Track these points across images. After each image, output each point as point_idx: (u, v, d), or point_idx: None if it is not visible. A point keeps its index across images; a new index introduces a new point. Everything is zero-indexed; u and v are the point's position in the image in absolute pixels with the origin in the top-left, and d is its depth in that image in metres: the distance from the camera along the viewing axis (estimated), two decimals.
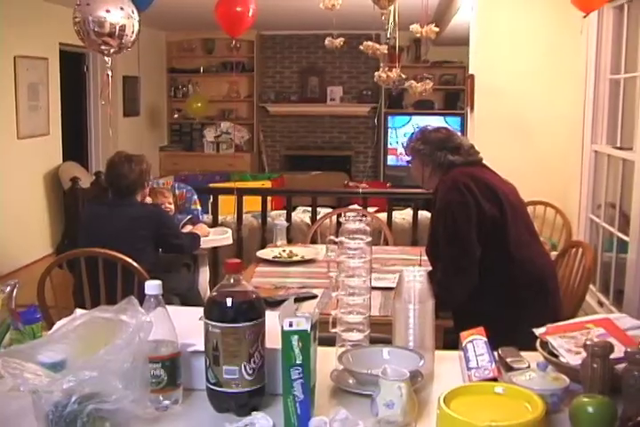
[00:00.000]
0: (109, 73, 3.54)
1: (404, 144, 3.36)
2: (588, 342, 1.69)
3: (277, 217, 5.81)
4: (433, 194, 3.22)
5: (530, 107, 5.76)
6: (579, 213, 5.34)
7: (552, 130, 5.72)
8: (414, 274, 1.90)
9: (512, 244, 3.02)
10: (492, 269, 3.00)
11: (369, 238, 1.96)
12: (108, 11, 3.37)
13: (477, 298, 2.99)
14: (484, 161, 3.27)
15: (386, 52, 4.69)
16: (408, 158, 3.33)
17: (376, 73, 4.79)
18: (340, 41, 4.83)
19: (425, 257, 3.31)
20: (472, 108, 6.04)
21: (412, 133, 3.34)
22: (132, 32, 3.42)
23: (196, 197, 5.31)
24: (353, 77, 11.62)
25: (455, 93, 11.22)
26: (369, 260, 1.96)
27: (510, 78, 5.80)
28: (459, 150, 3.19)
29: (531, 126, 5.79)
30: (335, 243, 1.98)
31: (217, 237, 4.92)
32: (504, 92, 5.81)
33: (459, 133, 3.34)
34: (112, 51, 3.34)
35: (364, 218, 2.02)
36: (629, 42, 4.57)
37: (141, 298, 1.67)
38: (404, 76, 4.72)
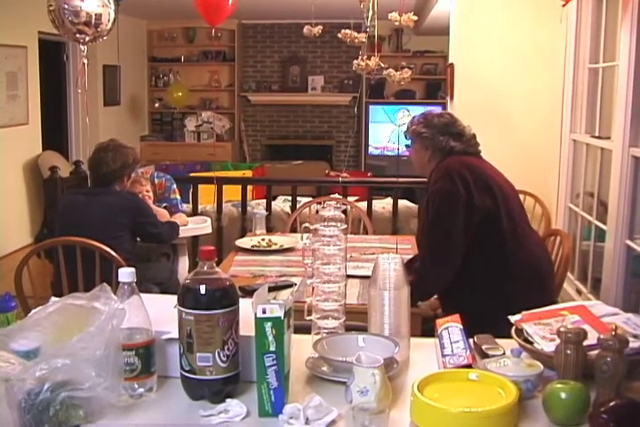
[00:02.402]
0: (85, 61, 3.52)
1: (406, 127, 3.32)
2: (562, 329, 1.70)
3: (257, 206, 5.80)
4: (427, 181, 3.20)
5: (509, 96, 5.77)
6: (557, 202, 5.36)
7: (531, 119, 5.74)
8: (389, 261, 1.90)
9: (507, 235, 3.01)
10: (485, 260, 3.00)
11: (344, 226, 1.95)
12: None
13: (470, 288, 2.99)
14: (482, 154, 3.26)
15: (364, 40, 4.67)
16: (408, 142, 3.31)
17: (354, 61, 4.78)
18: (318, 29, 4.81)
19: (402, 245, 3.31)
20: (452, 98, 6.05)
21: (414, 117, 3.31)
22: (109, 20, 3.39)
23: (175, 186, 5.28)
24: (334, 67, 11.61)
25: (436, 83, 11.22)
26: (344, 247, 1.96)
27: (490, 67, 5.81)
28: (460, 137, 3.17)
29: (510, 115, 5.81)
30: (310, 230, 1.98)
31: (196, 226, 4.90)
32: (483, 81, 5.83)
33: (462, 121, 3.31)
34: (87, 39, 3.31)
35: (339, 205, 2.01)
36: (608, 31, 4.57)
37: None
38: (382, 64, 4.70)
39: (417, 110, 10.91)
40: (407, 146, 3.32)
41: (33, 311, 1.75)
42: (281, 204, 6.19)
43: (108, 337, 1.53)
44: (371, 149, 11.56)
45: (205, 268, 1.65)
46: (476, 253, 2.99)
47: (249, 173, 9.21)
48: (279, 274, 3.49)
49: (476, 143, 3.23)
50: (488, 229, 3.00)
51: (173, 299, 1.68)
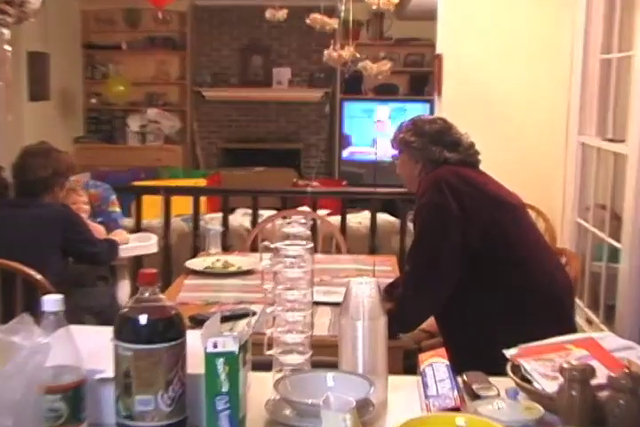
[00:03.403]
0: (8, 48, 3.50)
1: (392, 135, 3.34)
2: (566, 366, 1.71)
3: (211, 221, 5.79)
4: (415, 195, 3.22)
5: (507, 92, 5.79)
6: (563, 216, 5.40)
7: (532, 119, 5.76)
8: (364, 286, 1.90)
9: (514, 256, 3.02)
10: (485, 286, 3.00)
11: (310, 244, 1.96)
12: None
13: (462, 317, 3.00)
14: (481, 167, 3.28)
15: (336, 26, 4.69)
16: (395, 153, 3.32)
17: (325, 51, 4.80)
18: (283, 13, 4.83)
19: (381, 266, 3.32)
20: (439, 94, 6.08)
21: (402, 123, 3.32)
22: None
23: (114, 196, 5.27)
24: (303, 57, 11.64)
25: (423, 76, 11.27)
26: (310, 269, 1.96)
27: (484, 58, 5.83)
28: (457, 147, 3.19)
29: (508, 115, 5.83)
30: (271, 250, 1.98)
31: (139, 245, 4.88)
32: (476, 74, 5.85)
33: (458, 128, 3.32)
34: (10, 21, 3.30)
35: (305, 221, 2.02)
36: (624, 15, 4.60)
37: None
38: (358, 55, 4.73)
39: (399, 109, 11.13)
40: (394, 157, 3.34)
41: None
42: (240, 218, 6.18)
43: (29, 378, 1.51)
44: (346, 154, 11.60)
45: (147, 294, 1.65)
46: (475, 277, 3.00)
47: (202, 182, 9.19)
48: (236, 301, 3.48)
49: (475, 152, 3.26)
50: (489, 249, 3.01)
51: (109, 331, 1.67)
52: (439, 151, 3.15)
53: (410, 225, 5.12)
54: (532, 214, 5.49)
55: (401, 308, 2.90)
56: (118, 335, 1.63)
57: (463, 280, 2.98)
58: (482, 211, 2.99)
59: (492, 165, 3.41)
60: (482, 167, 3.30)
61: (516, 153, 5.71)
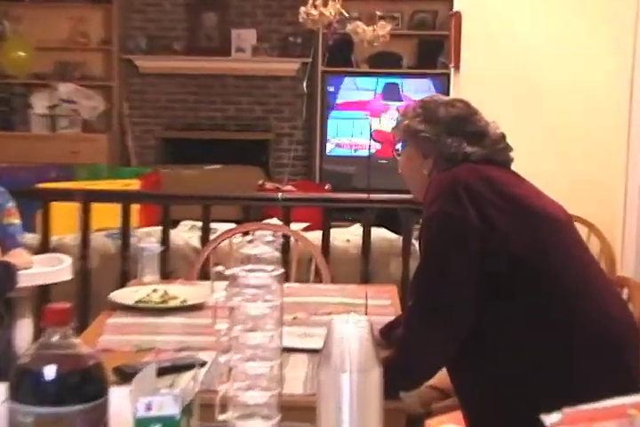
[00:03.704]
0: None
1: (394, 122, 3.35)
2: None
3: (146, 237, 5.79)
4: (422, 203, 3.22)
5: (551, 66, 5.80)
6: (624, 235, 5.41)
7: (585, 106, 5.77)
8: (352, 326, 1.91)
9: (558, 286, 3.01)
10: (517, 325, 2.98)
11: (280, 270, 1.97)
12: None
13: (498, 368, 2.99)
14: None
15: None
16: (397, 146, 3.33)
17: (302, 8, 4.80)
18: None
19: (377, 300, 3.33)
20: (457, 67, 6.09)
21: (408, 106, 3.33)
22: None
23: (11, 204, 5.23)
24: (273, 15, 11.69)
25: (435, 42, 11.30)
26: (279, 304, 1.97)
27: (520, 18, 5.85)
28: (481, 139, 3.19)
29: (552, 98, 5.84)
30: (226, 277, 1.98)
31: (46, 270, 4.88)
32: (509, 41, 5.87)
33: (482, 115, 3.31)
34: None
35: (274, 238, 2.02)
36: None
37: None
38: (347, 13, 4.74)
39: (404, 87, 11.12)
40: (397, 151, 3.35)
41: None
42: (185, 234, 6.19)
43: None
44: (330, 147, 11.63)
45: (56, 338, 1.65)
46: (500, 312, 3.00)
47: (135, 185, 9.18)
48: (179, 347, 3.48)
49: (505, 146, 3.26)
50: (520, 276, 3.01)
51: (2, 389, 1.67)
52: (457, 144, 3.15)
53: (415, 244, 5.12)
54: (583, 231, 5.52)
55: (402, 355, 2.91)
56: (15, 395, 1.62)
57: (484, 317, 2.99)
58: (511, 225, 2.99)
59: (527, 165, 3.42)
60: (514, 167, 3.31)
61: (562, 150, 5.72)
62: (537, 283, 3.00)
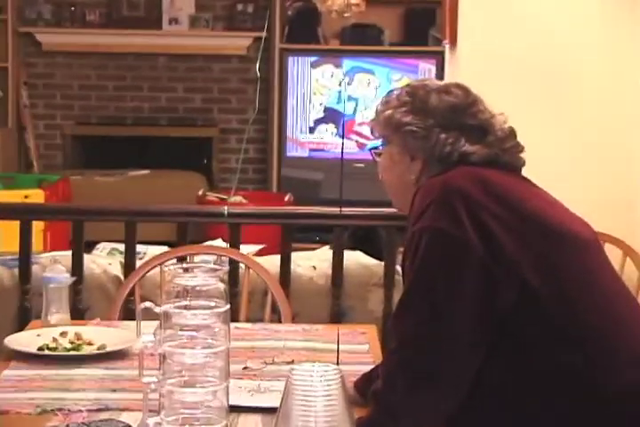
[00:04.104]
0: None
1: (373, 113, 3.35)
2: None
3: (53, 265, 5.78)
4: (408, 216, 3.21)
5: (573, 46, 5.85)
6: None
7: (613, 96, 5.82)
8: (318, 379, 1.91)
9: (578, 324, 3.01)
10: (528, 373, 2.99)
11: (225, 306, 1.96)
12: None
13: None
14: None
15: None
16: (375, 143, 3.33)
17: None
18: None
19: (350, 345, 3.34)
20: (453, 43, 6.13)
21: (391, 92, 3.34)
22: None
23: None
24: None
25: (424, 13, 11.37)
26: (225, 350, 1.96)
27: None
28: (484, 135, 3.20)
29: (574, 86, 5.89)
30: (156, 316, 1.98)
31: None
32: (519, 10, 5.91)
33: (487, 104, 3.32)
34: None
35: (218, 265, 2.03)
36: None
37: None
38: None
39: (384, 69, 11.14)
40: (374, 150, 3.35)
41: None
42: (104, 260, 6.20)
43: None
44: (291, 147, 11.66)
45: None
46: (505, 358, 3.01)
47: (37, 195, 9.19)
48: (95, 406, 3.48)
49: (514, 147, 3.27)
50: (532, 312, 3.01)
51: None
52: (452, 142, 3.16)
53: (399, 270, 5.12)
54: (615, 251, 5.55)
55: (383, 414, 2.90)
56: None
57: (487, 363, 2.99)
58: (520, 246, 3.00)
59: (543, 170, 3.44)
60: (525, 173, 3.31)
61: (586, 151, 5.75)
62: (546, 318, 3.00)
